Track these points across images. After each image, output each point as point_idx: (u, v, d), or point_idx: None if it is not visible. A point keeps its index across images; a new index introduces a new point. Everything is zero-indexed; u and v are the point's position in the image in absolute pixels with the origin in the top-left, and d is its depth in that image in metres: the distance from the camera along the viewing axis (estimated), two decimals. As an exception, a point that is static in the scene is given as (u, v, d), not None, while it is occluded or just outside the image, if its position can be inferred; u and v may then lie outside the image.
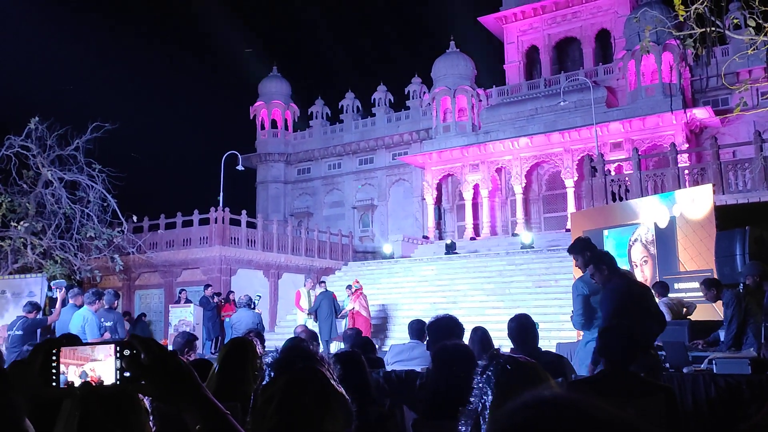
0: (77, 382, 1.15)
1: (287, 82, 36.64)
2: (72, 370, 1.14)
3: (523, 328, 3.84)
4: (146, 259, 19.89)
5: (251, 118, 36.45)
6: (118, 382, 1.12)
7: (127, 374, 1.08)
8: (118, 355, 1.12)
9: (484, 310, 16.48)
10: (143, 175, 40.85)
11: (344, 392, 1.64)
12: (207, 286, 15.67)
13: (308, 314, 14.47)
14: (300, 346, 1.75)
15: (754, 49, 6.09)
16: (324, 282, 16.70)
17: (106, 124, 18.76)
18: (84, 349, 1.15)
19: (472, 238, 27.80)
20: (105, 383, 1.14)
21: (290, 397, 1.60)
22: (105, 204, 18.65)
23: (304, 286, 15.98)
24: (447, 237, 28.82)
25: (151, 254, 20.05)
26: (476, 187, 28.97)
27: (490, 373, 1.69)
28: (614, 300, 4.59)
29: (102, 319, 7.84)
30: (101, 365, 1.14)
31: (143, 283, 21.08)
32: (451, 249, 23.83)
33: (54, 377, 1.13)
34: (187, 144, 56.24)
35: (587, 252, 4.93)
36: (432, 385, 2.69)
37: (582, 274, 4.99)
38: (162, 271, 20.50)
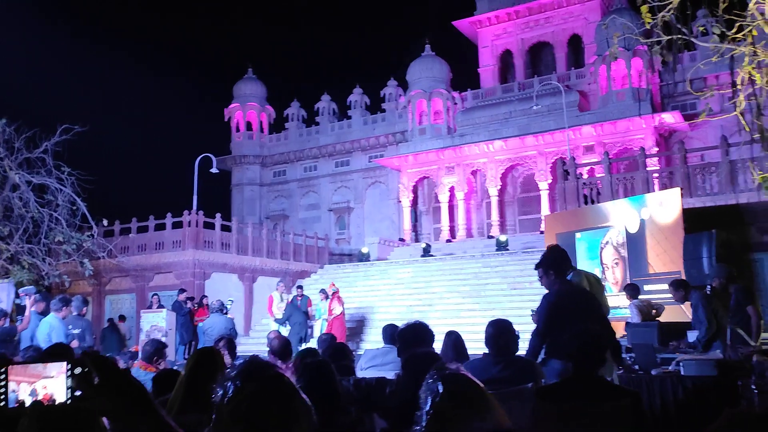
0: (28, 401, 1.13)
1: (263, 84, 36.40)
2: (23, 388, 1.12)
3: (501, 334, 3.78)
4: (117, 263, 19.57)
5: (226, 120, 36.12)
6: (69, 401, 1.10)
7: (78, 393, 1.07)
8: (69, 373, 1.10)
9: (460, 312, 16.55)
10: (114, 179, 40.27)
11: (307, 399, 1.63)
12: (181, 290, 15.47)
13: (280, 324, 14.39)
14: (260, 360, 1.74)
15: (718, 57, 6.23)
16: (301, 287, 16.59)
17: (76, 126, 18.45)
18: (35, 366, 1.13)
19: (448, 241, 27.93)
20: (57, 401, 1.12)
21: (258, 407, 1.59)
22: (74, 207, 18.33)
23: (276, 289, 15.88)
24: (423, 239, 28.91)
25: (123, 258, 19.73)
26: (452, 190, 29.12)
27: (428, 388, 1.65)
28: (549, 307, 4.57)
29: (70, 326, 7.68)
30: (53, 382, 1.12)
31: (114, 287, 20.73)
32: (427, 252, 23.91)
33: (2, 396, 1.11)
34: (160, 146, 55.56)
35: (551, 271, 4.76)
36: (401, 394, 2.69)
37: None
38: (134, 275, 20.19)
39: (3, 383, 1.11)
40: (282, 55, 65.05)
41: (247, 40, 63.99)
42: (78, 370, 1.08)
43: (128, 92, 60.10)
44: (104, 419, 1.52)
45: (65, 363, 1.11)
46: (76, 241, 18.11)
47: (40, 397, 1.12)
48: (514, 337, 3.78)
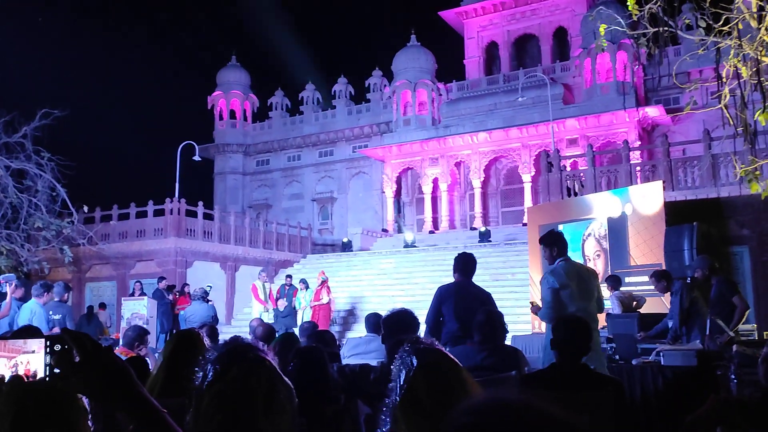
0: (7, 375, 1.10)
1: (246, 72, 36.06)
2: (2, 363, 1.09)
3: (488, 322, 3.78)
4: (98, 250, 19.34)
5: (209, 108, 35.77)
6: (47, 378, 1.06)
7: (57, 370, 1.03)
8: (48, 350, 1.06)
9: (442, 303, 16.61)
10: (95, 165, 39.73)
11: (288, 382, 1.60)
12: (161, 278, 15.33)
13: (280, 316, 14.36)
14: (242, 341, 1.71)
15: (704, 50, 6.26)
16: (290, 276, 16.55)
17: (56, 111, 18.18)
18: (15, 342, 1.10)
19: (431, 232, 27.98)
20: (38, 376, 1.10)
21: (241, 392, 1.56)
22: (54, 194, 18.09)
23: (258, 278, 15.82)
24: (406, 230, 28.94)
25: (103, 246, 19.50)
26: (435, 181, 29.15)
27: (402, 362, 1.61)
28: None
29: (51, 312, 7.57)
30: (34, 357, 1.09)
31: (94, 275, 20.50)
32: (410, 242, 23.92)
33: None
34: (142, 133, 54.83)
35: (555, 247, 5.03)
36: (387, 380, 2.68)
37: (553, 266, 5.03)
38: (114, 263, 19.97)
39: None
40: (266, 43, 64.48)
41: (231, 28, 63.34)
42: (57, 347, 1.04)
43: (110, 78, 59.21)
44: (85, 400, 1.49)
45: (44, 340, 1.08)
46: (56, 227, 17.87)
47: (21, 372, 1.09)
48: (501, 326, 3.78)
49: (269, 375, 1.57)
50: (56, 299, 7.83)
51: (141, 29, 63.22)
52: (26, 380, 1.11)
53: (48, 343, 1.07)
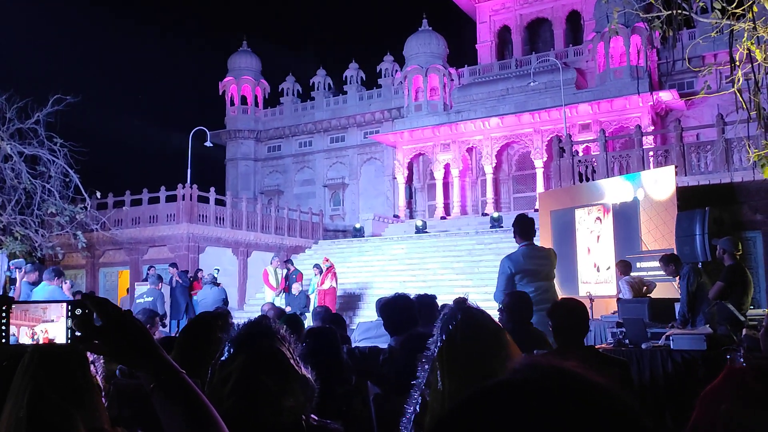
0: (28, 343, 1.14)
1: (257, 58, 36.03)
2: (23, 332, 1.13)
3: (516, 306, 3.86)
4: (111, 236, 19.53)
5: (220, 93, 35.81)
6: (69, 342, 1.10)
7: (78, 334, 1.06)
8: (69, 314, 1.10)
9: (453, 289, 16.62)
10: (108, 151, 39.99)
11: (306, 370, 1.63)
12: (172, 265, 15.46)
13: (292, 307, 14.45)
14: (263, 323, 1.73)
15: (717, 33, 6.19)
16: (290, 261, 16.66)
17: (68, 97, 18.29)
18: (36, 309, 1.13)
19: (443, 218, 27.97)
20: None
21: (248, 377, 1.59)
22: (67, 179, 18.25)
23: (271, 264, 15.92)
24: (418, 216, 28.94)
25: (116, 231, 19.68)
26: (447, 167, 29.07)
27: (446, 316, 1.68)
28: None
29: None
30: (54, 326, 1.12)
31: (108, 260, 20.72)
32: (421, 228, 23.95)
33: (3, 334, 1.11)
34: (154, 119, 55.12)
35: (517, 232, 5.28)
36: (397, 365, 2.72)
37: (515, 251, 5.28)
38: (127, 248, 20.17)
39: (4, 321, 1.11)
40: (277, 28, 64.29)
41: (242, 13, 63.15)
42: (78, 312, 1.08)
43: (122, 64, 59.41)
44: (99, 378, 1.53)
45: (65, 304, 1.11)
46: (69, 213, 18.05)
47: (40, 341, 1.12)
48: (529, 309, 3.85)
49: (277, 366, 1.60)
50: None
51: (153, 15, 63.22)
52: (44, 345, 1.14)
53: (69, 307, 1.10)
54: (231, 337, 1.73)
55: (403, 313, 3.77)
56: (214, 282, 10.74)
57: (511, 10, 32.76)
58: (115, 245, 20.11)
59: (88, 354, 1.46)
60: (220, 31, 65.23)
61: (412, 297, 4.12)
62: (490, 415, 0.52)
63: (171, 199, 19.98)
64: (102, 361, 1.54)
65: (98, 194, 19.48)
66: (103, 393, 1.51)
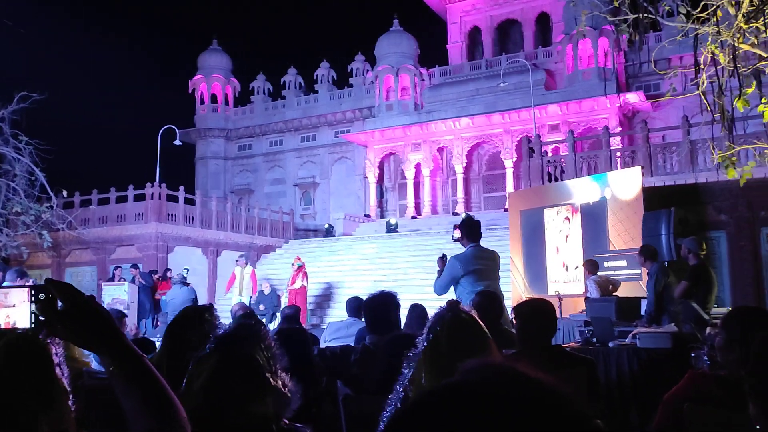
0: None
1: (228, 56, 35.64)
2: None
3: (487, 305, 3.93)
4: (77, 235, 19.15)
5: (190, 92, 35.33)
6: (33, 326, 1.09)
7: (42, 318, 1.07)
8: (32, 299, 1.09)
9: (424, 288, 16.63)
10: (74, 149, 39.09)
11: (282, 379, 1.63)
12: (134, 265, 15.22)
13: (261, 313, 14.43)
14: (250, 328, 1.72)
15: (682, 36, 6.32)
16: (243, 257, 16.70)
17: (34, 94, 17.87)
18: None
19: (414, 217, 28.06)
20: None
21: (217, 378, 1.57)
22: (32, 178, 17.85)
23: (237, 264, 15.86)
24: (389, 215, 28.97)
25: (83, 230, 19.30)
26: (418, 166, 29.17)
27: (437, 316, 1.75)
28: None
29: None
30: (16, 311, 1.11)
31: (74, 260, 20.30)
32: (392, 228, 23.99)
33: None
34: (122, 117, 54.08)
35: (464, 234, 5.44)
36: (378, 366, 2.71)
37: (463, 252, 5.42)
38: (94, 248, 19.79)
39: None
40: (247, 27, 63.68)
41: (212, 11, 62.38)
42: (42, 296, 1.07)
43: (89, 61, 58.08)
44: (65, 380, 1.49)
45: (28, 289, 1.10)
46: (35, 212, 17.65)
47: (2, 326, 1.13)
48: (498, 307, 3.91)
49: (248, 371, 1.58)
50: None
51: (122, 12, 62.08)
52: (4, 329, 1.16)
53: (33, 292, 1.10)
54: (216, 335, 1.74)
55: (387, 312, 3.75)
56: (184, 282, 10.61)
57: (481, 11, 33.01)
58: (81, 245, 19.71)
59: (54, 357, 1.45)
60: (190, 29, 64.35)
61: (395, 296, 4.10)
62: (438, 416, 0.53)
63: (139, 198, 19.68)
64: (64, 354, 1.54)
65: (64, 193, 19.09)
66: (71, 396, 1.49)
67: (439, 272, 5.46)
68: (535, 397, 0.54)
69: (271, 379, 1.62)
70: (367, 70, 32.77)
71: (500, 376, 0.55)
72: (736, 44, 5.63)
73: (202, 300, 16.17)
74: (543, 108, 25.77)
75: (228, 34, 58.42)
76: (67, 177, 20.91)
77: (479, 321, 1.76)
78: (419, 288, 16.71)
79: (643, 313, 7.07)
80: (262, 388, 1.60)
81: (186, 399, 1.50)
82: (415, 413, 0.55)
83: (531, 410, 0.52)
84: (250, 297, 14.87)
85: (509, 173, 27.04)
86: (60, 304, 1.06)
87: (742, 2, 5.49)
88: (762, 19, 5.41)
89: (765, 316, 2.28)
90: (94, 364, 3.66)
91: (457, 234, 5.50)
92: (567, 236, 13.11)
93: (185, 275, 11.85)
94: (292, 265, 16.07)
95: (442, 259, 5.50)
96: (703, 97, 6.28)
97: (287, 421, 1.67)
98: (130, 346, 1.08)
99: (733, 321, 2.24)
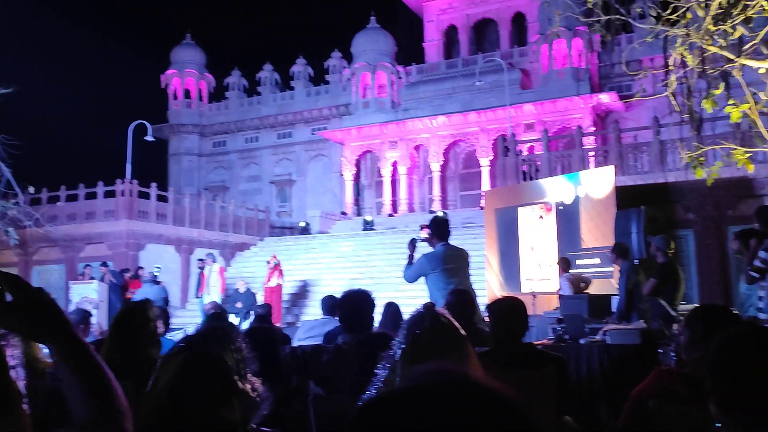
0: None
1: (202, 51, 35.20)
2: None
3: (460, 304, 3.92)
4: (45, 233, 18.74)
5: (163, 86, 34.81)
6: None
7: None
8: None
9: (400, 286, 16.65)
10: (43, 144, 38.34)
11: (251, 383, 1.60)
12: (104, 264, 14.96)
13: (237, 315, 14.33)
14: (221, 330, 1.69)
15: (653, 38, 6.41)
16: (203, 260, 16.47)
17: (0, 88, 17.43)
18: None
19: (390, 215, 28.08)
20: None
21: (182, 377, 1.54)
22: (-2, 173, 17.42)
23: (206, 263, 15.71)
24: (365, 213, 28.96)
25: (51, 228, 18.89)
26: (395, 164, 29.20)
27: (414, 318, 1.77)
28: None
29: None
30: None
31: (42, 258, 19.87)
32: (369, 225, 23.97)
33: None
34: (93, 112, 53.12)
35: (434, 233, 5.48)
36: (353, 365, 2.70)
37: (433, 251, 5.49)
38: (63, 245, 19.39)
39: None
40: (222, 22, 63.00)
41: (186, 5, 61.59)
42: None
43: (59, 54, 56.94)
44: (20, 382, 1.46)
45: None
46: (1, 208, 17.24)
47: None
48: (471, 305, 3.93)
49: (216, 372, 1.56)
50: None
51: (94, 5, 60.94)
52: None
53: None
54: (190, 335, 1.73)
55: (362, 311, 3.74)
56: (154, 280, 10.44)
57: (458, 10, 33.12)
58: (49, 242, 19.30)
59: (9, 359, 1.42)
60: (163, 23, 63.51)
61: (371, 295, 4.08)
62: (386, 421, 0.54)
63: (110, 194, 19.33)
64: (23, 355, 1.52)
65: (32, 189, 18.68)
66: (26, 399, 1.45)
67: (410, 257, 5.56)
68: (482, 402, 0.54)
69: (240, 383, 1.59)
70: (344, 67, 32.67)
71: (450, 382, 0.56)
72: (704, 46, 5.73)
73: (175, 298, 16.00)
74: (518, 107, 25.97)
75: (202, 29, 57.63)
76: (34, 173, 20.53)
77: (456, 323, 1.77)
78: (395, 286, 16.72)
79: (614, 310, 7.17)
80: (229, 390, 1.57)
81: (150, 398, 1.48)
82: (364, 419, 0.55)
83: (477, 415, 0.52)
84: (221, 295, 14.74)
85: (485, 171, 27.20)
86: (9, 296, 1.06)
87: (711, 5, 5.59)
88: (730, 21, 5.51)
89: (727, 314, 2.32)
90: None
91: (424, 234, 5.51)
92: (541, 234, 13.24)
93: (156, 273, 11.68)
94: (268, 263, 16.00)
95: (412, 243, 5.58)
96: (672, 98, 6.38)
97: (254, 426, 1.64)
98: (76, 336, 1.11)
99: (696, 319, 2.28)
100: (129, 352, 2.52)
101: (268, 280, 15.21)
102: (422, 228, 5.63)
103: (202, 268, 15.60)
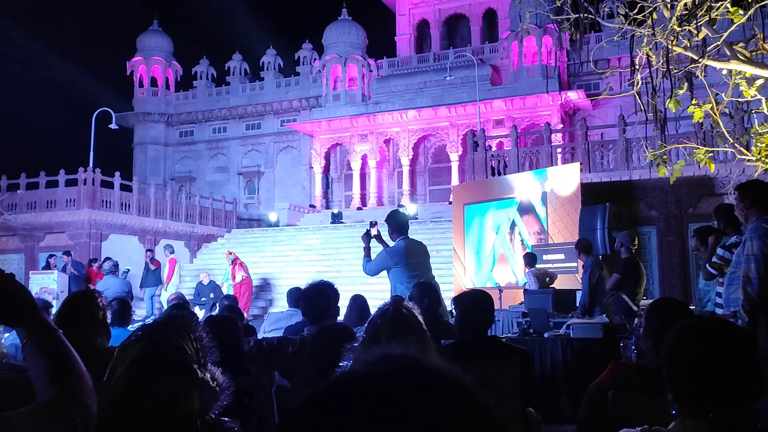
0: None
1: (169, 38, 34.52)
2: None
3: (424, 297, 4.01)
4: (3, 221, 18.22)
5: (128, 74, 34.06)
6: None
7: None
8: None
9: (367, 279, 16.66)
10: (2, 131, 37.17)
11: (212, 373, 1.57)
12: (66, 253, 14.61)
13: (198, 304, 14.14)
14: (181, 318, 1.66)
15: (620, 37, 6.51)
16: (152, 251, 16.42)
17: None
18: None
19: (359, 208, 28.04)
20: None
21: (141, 365, 1.51)
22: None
23: (165, 254, 15.53)
24: (334, 206, 28.86)
25: (9, 216, 18.37)
26: (364, 158, 29.15)
27: (381, 310, 1.81)
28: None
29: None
30: None
31: (0, 247, 19.32)
32: (337, 218, 23.90)
33: None
34: (55, 98, 51.67)
35: (394, 228, 5.53)
36: (313, 358, 2.68)
37: (394, 245, 5.52)
38: (22, 234, 18.87)
39: None
40: (190, 9, 61.91)
41: (155, -10, 60.19)
42: None
43: (20, 39, 55.17)
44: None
45: None
46: (-44, 196, 16.67)
47: None
48: (436, 297, 3.97)
49: (176, 361, 1.52)
50: None
51: (54, -13, 59.19)
52: None
53: None
54: (149, 323, 1.70)
55: (326, 302, 3.72)
56: (114, 272, 10.22)
57: (429, 4, 33.16)
58: (8, 231, 18.77)
59: None
60: (128, 8, 62.02)
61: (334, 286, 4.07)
62: (336, 406, 0.53)
63: (72, 183, 18.86)
64: None
65: (-10, 176, 18.10)
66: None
67: (366, 249, 5.59)
68: (435, 386, 0.53)
69: (199, 372, 1.57)
70: (315, 59, 32.42)
71: (401, 366, 0.54)
72: (669, 46, 5.84)
73: (138, 290, 15.71)
74: (488, 103, 26.16)
75: (170, 16, 56.59)
76: (-7, 160, 19.87)
77: (419, 317, 1.77)
78: (363, 279, 16.65)
79: (578, 304, 7.30)
80: (188, 380, 1.54)
81: (108, 387, 1.45)
82: (312, 405, 0.54)
83: (429, 399, 0.51)
84: (176, 287, 14.54)
85: (454, 166, 27.35)
86: None
87: (677, 6, 5.69)
88: (695, 22, 5.62)
89: (682, 308, 2.40)
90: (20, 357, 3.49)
91: (375, 231, 5.49)
92: (508, 229, 13.38)
93: (118, 264, 11.44)
94: (227, 260, 15.80)
95: (367, 235, 5.57)
96: (637, 97, 6.48)
97: (213, 416, 1.62)
98: (44, 319, 1.16)
99: (653, 313, 2.35)
100: (73, 341, 2.46)
101: (234, 277, 15.06)
102: (372, 225, 5.60)
103: (151, 260, 15.39)
